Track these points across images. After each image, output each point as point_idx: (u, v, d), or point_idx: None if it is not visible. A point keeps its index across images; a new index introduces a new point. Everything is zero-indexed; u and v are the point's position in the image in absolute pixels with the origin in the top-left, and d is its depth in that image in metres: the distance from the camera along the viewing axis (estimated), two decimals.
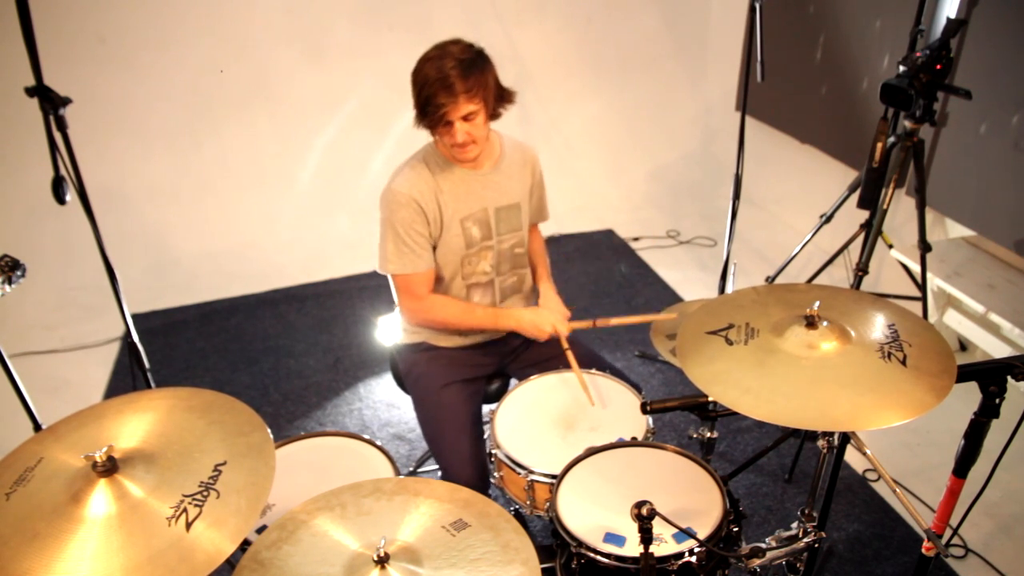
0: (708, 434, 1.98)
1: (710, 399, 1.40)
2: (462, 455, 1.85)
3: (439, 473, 1.95)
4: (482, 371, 2.07)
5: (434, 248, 1.92)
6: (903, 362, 1.26)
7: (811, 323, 1.32)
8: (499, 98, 1.83)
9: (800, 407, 1.21)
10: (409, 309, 1.97)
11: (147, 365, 2.35)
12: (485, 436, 1.89)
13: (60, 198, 2.02)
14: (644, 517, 1.16)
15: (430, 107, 1.71)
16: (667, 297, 3.57)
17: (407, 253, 1.87)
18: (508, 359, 2.11)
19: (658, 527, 1.21)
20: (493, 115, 1.84)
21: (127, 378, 2.51)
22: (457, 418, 1.91)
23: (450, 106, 1.71)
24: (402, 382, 2.13)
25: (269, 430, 1.29)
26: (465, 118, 1.74)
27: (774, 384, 1.25)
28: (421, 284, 1.92)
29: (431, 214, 1.86)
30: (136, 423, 1.29)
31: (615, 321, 2.03)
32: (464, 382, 2.00)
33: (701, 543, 1.33)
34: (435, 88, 1.69)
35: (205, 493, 1.15)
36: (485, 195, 1.93)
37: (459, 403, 1.95)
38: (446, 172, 1.88)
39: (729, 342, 1.36)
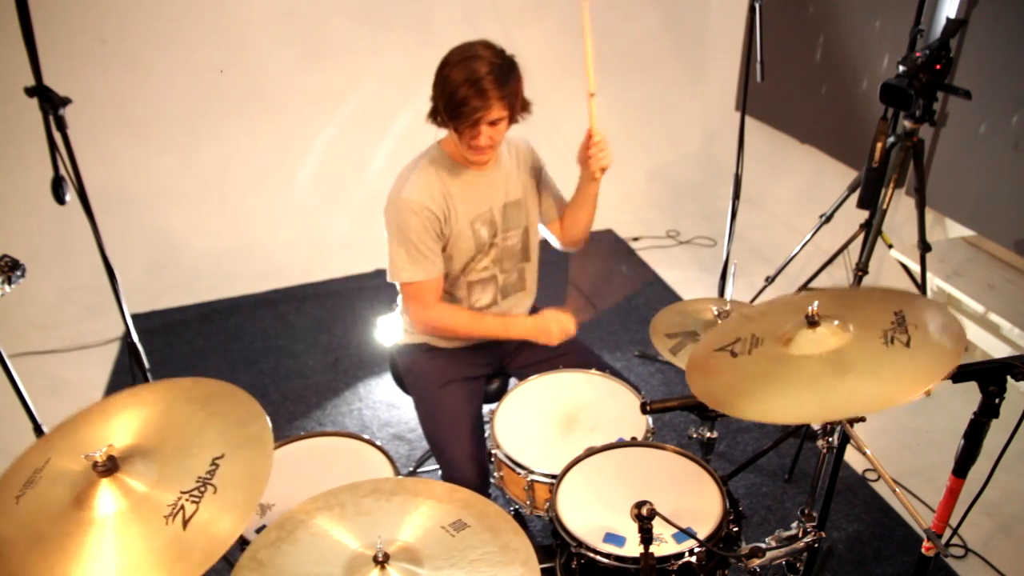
0: (708, 434, 1.98)
1: None
2: (463, 453, 1.84)
3: (439, 473, 1.94)
4: (482, 371, 2.07)
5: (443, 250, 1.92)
6: (907, 344, 1.25)
7: (812, 323, 1.32)
8: (521, 106, 1.84)
9: (799, 403, 1.21)
10: (418, 318, 1.96)
11: (147, 365, 2.35)
12: (485, 436, 1.89)
13: (60, 198, 2.02)
14: (644, 517, 1.16)
15: (465, 108, 1.70)
16: (667, 297, 3.57)
17: (421, 261, 1.85)
18: (507, 359, 2.11)
19: (658, 527, 1.21)
20: (511, 122, 1.84)
21: (127, 378, 2.51)
22: (457, 416, 1.91)
23: (483, 111, 1.70)
24: (402, 382, 2.13)
25: (268, 419, 1.28)
26: (492, 123, 1.75)
27: (776, 386, 1.26)
28: (432, 291, 1.91)
29: (444, 219, 1.86)
30: (136, 418, 1.28)
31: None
32: (464, 380, 2.00)
33: (701, 543, 1.33)
34: (470, 91, 1.68)
35: (202, 489, 1.14)
36: (491, 194, 1.93)
37: (459, 401, 1.95)
38: (454, 174, 1.88)
39: (734, 355, 1.36)
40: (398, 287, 1.95)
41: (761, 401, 1.25)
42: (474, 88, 1.68)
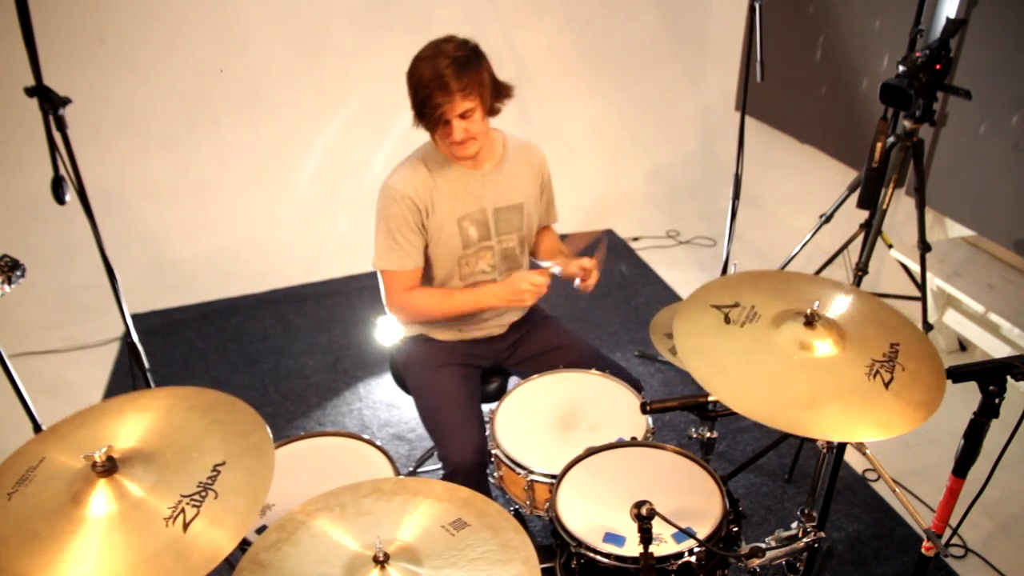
0: (708, 434, 1.98)
1: (710, 399, 1.40)
2: (460, 433, 1.84)
3: (439, 472, 1.94)
4: (479, 362, 2.08)
5: (427, 246, 1.92)
6: (886, 385, 1.25)
7: (810, 322, 1.32)
8: (496, 93, 1.82)
9: (761, 400, 1.22)
10: (393, 304, 1.98)
11: (147, 365, 2.34)
12: (485, 434, 1.89)
13: (60, 198, 2.02)
14: (644, 517, 1.16)
15: (427, 107, 1.72)
16: (667, 297, 3.57)
17: (395, 250, 1.87)
18: (505, 354, 2.11)
19: (658, 527, 1.21)
20: (491, 111, 1.83)
21: (127, 378, 2.51)
22: (454, 397, 1.92)
23: (446, 105, 1.71)
24: (401, 381, 2.13)
25: (269, 430, 1.29)
26: (462, 116, 1.74)
27: (751, 372, 1.27)
28: (406, 281, 1.93)
29: (425, 212, 1.86)
30: (137, 422, 1.28)
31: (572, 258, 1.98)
32: (460, 365, 2.01)
33: (701, 543, 1.33)
34: (431, 88, 1.70)
35: (203, 493, 1.14)
36: (484, 195, 1.92)
37: (455, 382, 1.96)
38: (444, 171, 1.88)
39: (728, 321, 1.36)
40: (379, 275, 1.96)
41: (726, 379, 1.26)
42: (435, 84, 1.69)
